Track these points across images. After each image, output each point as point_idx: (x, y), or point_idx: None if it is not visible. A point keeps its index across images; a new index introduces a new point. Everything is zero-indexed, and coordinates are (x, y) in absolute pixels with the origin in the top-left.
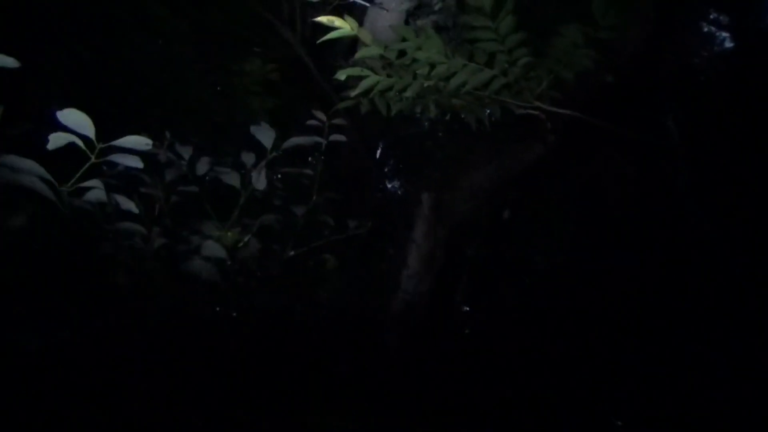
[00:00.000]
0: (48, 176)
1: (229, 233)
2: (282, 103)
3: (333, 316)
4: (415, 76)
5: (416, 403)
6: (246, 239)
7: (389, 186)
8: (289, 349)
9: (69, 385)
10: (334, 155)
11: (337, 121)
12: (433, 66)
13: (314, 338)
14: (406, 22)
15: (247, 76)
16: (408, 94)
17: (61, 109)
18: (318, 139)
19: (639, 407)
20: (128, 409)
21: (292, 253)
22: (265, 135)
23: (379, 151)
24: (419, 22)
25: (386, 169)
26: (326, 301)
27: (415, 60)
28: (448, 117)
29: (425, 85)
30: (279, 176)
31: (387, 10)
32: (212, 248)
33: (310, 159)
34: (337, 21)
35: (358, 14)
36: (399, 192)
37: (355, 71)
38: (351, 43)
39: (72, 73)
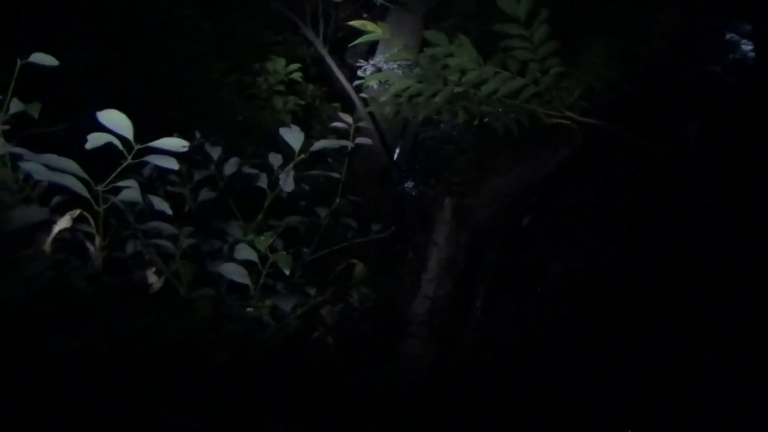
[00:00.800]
0: (84, 175)
1: (262, 237)
2: (304, 103)
3: (355, 317)
4: (446, 82)
5: (435, 408)
6: (272, 240)
7: (409, 189)
8: (310, 352)
9: (99, 387)
10: (355, 157)
11: (362, 123)
12: (464, 72)
13: (334, 341)
14: (426, 26)
15: (271, 76)
16: (438, 99)
17: (84, 106)
18: (344, 142)
19: (651, 415)
20: (153, 411)
21: (307, 250)
22: (294, 137)
23: (397, 153)
24: (442, 25)
25: (407, 172)
26: (349, 303)
27: (445, 66)
28: (476, 123)
29: (455, 91)
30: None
31: (409, 11)
32: (245, 251)
33: (330, 160)
34: (369, 25)
35: (376, 14)
36: (419, 195)
37: (383, 75)
38: (371, 43)
39: (95, 71)
